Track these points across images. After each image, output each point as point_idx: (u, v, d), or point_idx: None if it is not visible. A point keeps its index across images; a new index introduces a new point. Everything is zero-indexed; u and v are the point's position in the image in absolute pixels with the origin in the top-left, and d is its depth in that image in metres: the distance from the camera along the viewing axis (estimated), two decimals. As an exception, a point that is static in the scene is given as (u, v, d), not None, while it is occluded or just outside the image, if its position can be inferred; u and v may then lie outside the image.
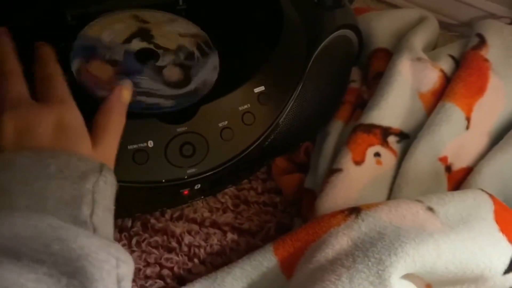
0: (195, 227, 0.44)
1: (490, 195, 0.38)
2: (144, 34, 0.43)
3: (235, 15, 0.46)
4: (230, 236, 0.44)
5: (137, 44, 0.42)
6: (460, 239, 0.34)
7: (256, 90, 0.40)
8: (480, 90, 0.44)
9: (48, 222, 0.26)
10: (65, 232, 0.26)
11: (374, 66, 0.49)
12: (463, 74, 0.45)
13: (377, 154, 0.43)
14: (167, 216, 0.44)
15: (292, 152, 0.49)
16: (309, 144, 0.48)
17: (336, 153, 0.44)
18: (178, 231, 0.43)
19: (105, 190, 0.30)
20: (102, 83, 0.39)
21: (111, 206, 0.31)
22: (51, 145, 0.30)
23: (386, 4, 0.78)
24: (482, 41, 0.47)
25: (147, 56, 0.42)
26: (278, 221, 0.45)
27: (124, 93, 0.36)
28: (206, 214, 0.45)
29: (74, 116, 0.32)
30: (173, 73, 0.41)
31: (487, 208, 0.37)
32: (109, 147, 0.33)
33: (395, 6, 0.77)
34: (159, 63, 0.41)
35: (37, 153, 0.29)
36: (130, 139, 0.36)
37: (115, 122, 0.34)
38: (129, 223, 0.43)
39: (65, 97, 0.33)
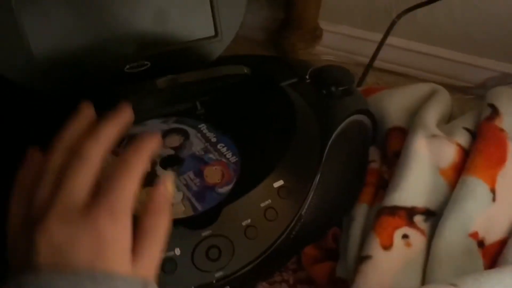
0: (230, 328, 0.43)
1: (529, 271, 0.37)
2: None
3: (248, 114, 0.48)
4: (265, 335, 0.43)
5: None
6: (503, 325, 0.33)
7: (276, 185, 0.41)
8: (500, 160, 0.44)
9: None
10: None
11: (391, 145, 0.50)
12: (481, 146, 0.45)
13: (405, 236, 0.43)
14: (200, 319, 0.44)
15: (321, 239, 0.49)
16: (336, 229, 0.48)
17: (364, 238, 0.44)
18: (212, 334, 0.43)
19: None
20: None
21: None
22: (89, 263, 0.26)
23: (397, 75, 0.80)
24: (494, 111, 0.47)
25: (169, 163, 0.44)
26: (313, 314, 0.44)
27: (169, 187, 0.32)
28: (240, 313, 0.44)
29: (119, 231, 0.27)
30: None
31: (527, 287, 0.36)
32: (154, 256, 0.30)
33: (406, 76, 0.79)
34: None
35: (74, 276, 0.26)
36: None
37: (162, 226, 0.30)
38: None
39: (117, 208, 0.28)
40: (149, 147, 0.30)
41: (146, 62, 0.46)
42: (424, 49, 0.76)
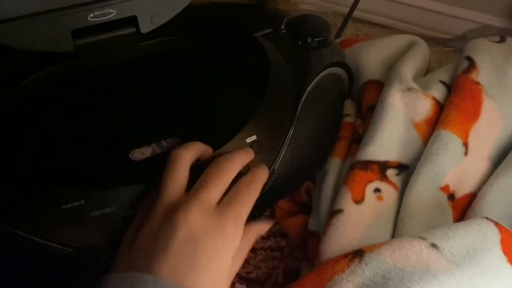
0: (203, 280, 0.44)
1: (496, 224, 0.37)
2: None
3: (221, 66, 0.47)
4: (238, 287, 0.44)
5: None
6: (466, 276, 0.34)
7: (248, 140, 0.41)
8: (474, 114, 0.44)
9: None
10: None
11: (366, 99, 0.49)
12: (456, 99, 0.44)
13: (377, 190, 0.43)
14: (174, 272, 0.44)
15: (293, 193, 0.49)
16: (309, 183, 0.48)
17: (336, 192, 0.44)
18: (186, 286, 0.43)
19: None
20: None
21: None
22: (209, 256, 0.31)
23: (377, 26, 0.78)
24: (471, 64, 0.46)
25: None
26: (286, 266, 0.45)
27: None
28: (213, 265, 0.45)
29: (237, 238, 0.33)
30: None
31: (493, 239, 0.36)
32: None
33: (387, 28, 0.77)
34: None
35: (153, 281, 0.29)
36: (126, 205, 0.36)
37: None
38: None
39: (239, 220, 0.33)
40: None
41: (111, 11, 0.43)
42: (405, -1, 0.74)
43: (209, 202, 0.33)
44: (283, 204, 0.48)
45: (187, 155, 0.35)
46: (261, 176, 0.38)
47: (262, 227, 0.38)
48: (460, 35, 0.74)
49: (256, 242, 0.47)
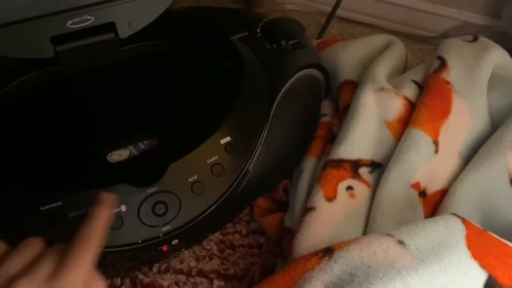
0: (183, 277, 0.45)
1: (463, 220, 0.38)
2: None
3: (198, 69, 0.48)
4: (216, 283, 0.45)
5: None
6: (429, 271, 0.34)
7: (222, 141, 0.42)
8: (444, 113, 0.45)
9: None
10: None
11: (343, 99, 0.50)
12: (426, 99, 0.45)
13: (349, 188, 0.44)
14: (155, 269, 0.46)
15: (271, 191, 0.50)
16: (287, 181, 0.49)
17: (311, 191, 0.45)
18: (165, 284, 0.45)
19: None
20: None
21: None
22: None
23: (362, 25, 0.79)
24: (442, 64, 0.47)
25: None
26: (263, 263, 0.46)
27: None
28: (193, 263, 0.46)
29: None
30: None
31: (459, 234, 0.37)
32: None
33: (371, 26, 0.78)
34: None
35: None
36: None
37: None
38: (118, 281, 0.45)
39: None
40: (102, 227, 0.35)
41: (89, 17, 0.44)
42: (388, -3, 0.75)
43: (39, 275, 0.31)
44: (261, 202, 0.50)
45: None
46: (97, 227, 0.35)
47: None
48: (443, 32, 0.75)
49: (236, 239, 0.48)
